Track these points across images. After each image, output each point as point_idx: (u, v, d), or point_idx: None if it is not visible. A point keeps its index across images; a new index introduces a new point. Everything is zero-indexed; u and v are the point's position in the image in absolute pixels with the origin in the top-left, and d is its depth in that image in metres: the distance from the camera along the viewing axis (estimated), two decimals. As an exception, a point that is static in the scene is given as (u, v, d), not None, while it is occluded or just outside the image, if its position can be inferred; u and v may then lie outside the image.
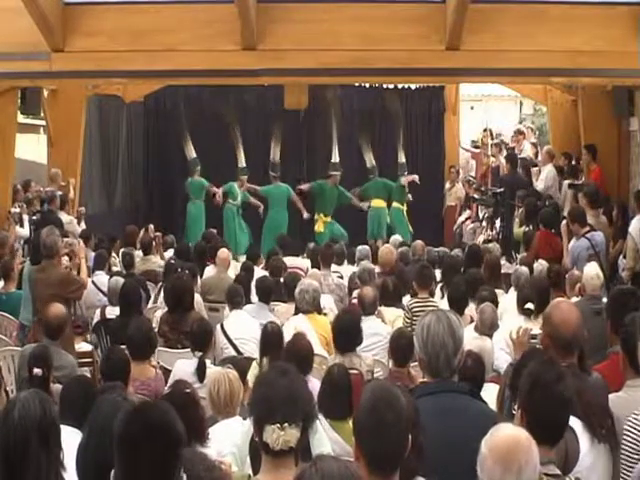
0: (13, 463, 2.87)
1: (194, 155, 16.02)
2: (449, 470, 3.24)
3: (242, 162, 16.00)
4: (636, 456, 3.73)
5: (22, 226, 11.57)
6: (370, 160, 16.29)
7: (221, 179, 15.90)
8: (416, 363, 5.39)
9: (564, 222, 9.67)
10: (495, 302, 7.31)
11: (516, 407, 3.30)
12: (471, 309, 7.43)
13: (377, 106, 17.14)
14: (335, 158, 15.93)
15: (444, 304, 7.53)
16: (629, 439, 3.75)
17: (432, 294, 8.57)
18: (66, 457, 3.09)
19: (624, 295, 5.09)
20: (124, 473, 2.32)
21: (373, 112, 17.15)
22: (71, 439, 3.36)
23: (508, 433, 2.69)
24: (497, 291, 7.93)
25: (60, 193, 12.14)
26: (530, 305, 7.17)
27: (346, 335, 6.41)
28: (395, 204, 15.97)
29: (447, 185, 17.06)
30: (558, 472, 3.07)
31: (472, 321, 7.01)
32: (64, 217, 11.69)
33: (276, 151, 16.11)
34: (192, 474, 2.67)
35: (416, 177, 15.99)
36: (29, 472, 2.88)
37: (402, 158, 16.29)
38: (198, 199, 15.66)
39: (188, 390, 4.53)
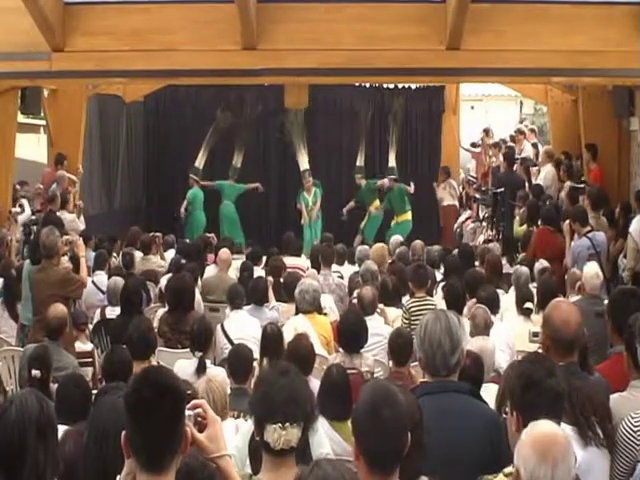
0: (10, 460, 2.88)
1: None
2: (449, 470, 3.24)
3: (304, 165, 16.20)
4: (629, 459, 3.73)
5: (24, 210, 11.65)
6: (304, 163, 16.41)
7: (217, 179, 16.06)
8: (417, 363, 5.40)
9: (567, 221, 9.64)
10: (496, 302, 7.28)
11: (507, 411, 3.27)
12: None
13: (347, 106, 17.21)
14: (392, 163, 16.29)
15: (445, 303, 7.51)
16: (622, 442, 3.74)
17: (430, 293, 8.54)
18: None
19: (625, 295, 5.07)
20: (139, 434, 2.45)
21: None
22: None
23: (549, 427, 2.70)
24: (497, 291, 7.91)
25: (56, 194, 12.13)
26: (530, 305, 7.17)
27: (353, 335, 6.41)
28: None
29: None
30: None
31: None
32: (66, 216, 11.68)
33: (239, 157, 16.26)
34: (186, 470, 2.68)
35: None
36: (26, 469, 2.89)
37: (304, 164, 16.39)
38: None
39: (190, 392, 4.52)
